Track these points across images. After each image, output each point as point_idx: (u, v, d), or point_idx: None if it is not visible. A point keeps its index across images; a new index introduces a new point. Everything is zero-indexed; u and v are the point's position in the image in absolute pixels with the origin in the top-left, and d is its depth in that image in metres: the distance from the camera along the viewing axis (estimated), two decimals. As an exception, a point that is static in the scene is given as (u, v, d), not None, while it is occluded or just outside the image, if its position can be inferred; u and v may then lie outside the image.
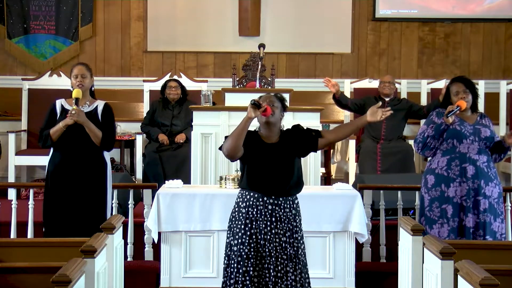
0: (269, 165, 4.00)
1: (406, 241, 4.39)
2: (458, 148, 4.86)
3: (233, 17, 8.70)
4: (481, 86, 7.65)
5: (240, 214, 4.03)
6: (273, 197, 4.02)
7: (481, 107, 7.34)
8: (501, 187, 4.94)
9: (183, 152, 6.94)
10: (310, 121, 6.02)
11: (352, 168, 7.33)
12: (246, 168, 4.05)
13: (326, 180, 7.41)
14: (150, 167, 7.04)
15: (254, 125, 4.07)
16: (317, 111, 6.10)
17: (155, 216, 5.14)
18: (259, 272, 3.98)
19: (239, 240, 4.00)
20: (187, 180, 6.01)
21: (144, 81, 7.94)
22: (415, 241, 4.22)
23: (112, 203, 5.62)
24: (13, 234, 5.57)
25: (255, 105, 3.92)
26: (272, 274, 3.96)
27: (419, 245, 4.18)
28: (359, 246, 5.56)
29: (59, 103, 5.06)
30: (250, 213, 4.01)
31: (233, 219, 4.07)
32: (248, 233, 3.99)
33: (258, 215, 4.00)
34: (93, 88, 5.13)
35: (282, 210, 4.03)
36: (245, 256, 3.97)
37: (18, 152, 7.39)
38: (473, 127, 4.88)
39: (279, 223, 4.01)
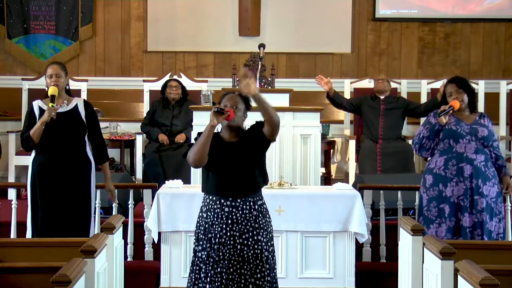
0: (227, 164, 3.91)
1: (406, 241, 4.39)
2: (454, 148, 4.86)
3: (233, 17, 8.70)
4: (481, 86, 7.66)
5: (202, 219, 3.98)
6: (230, 199, 3.92)
7: (481, 107, 7.36)
8: (499, 187, 4.94)
9: (183, 152, 6.92)
10: (310, 121, 6.03)
11: (352, 168, 7.33)
12: (206, 171, 3.98)
13: (326, 180, 7.41)
14: (150, 167, 7.04)
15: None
16: (317, 111, 6.09)
17: (155, 216, 5.14)
18: (211, 278, 3.88)
19: (201, 247, 3.96)
20: (187, 180, 6.00)
21: (144, 81, 7.93)
22: (415, 241, 4.22)
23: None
24: (13, 234, 5.57)
25: (219, 112, 3.82)
26: (224, 277, 3.86)
27: (419, 245, 4.18)
28: (359, 246, 5.56)
29: (36, 104, 4.97)
30: (208, 217, 3.95)
31: (197, 224, 4.02)
32: (206, 238, 3.94)
33: (215, 219, 3.93)
34: (68, 87, 5.09)
35: (240, 212, 3.92)
36: (203, 263, 3.93)
37: (18, 152, 7.38)
38: (470, 127, 4.88)
39: (235, 225, 3.91)
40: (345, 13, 8.78)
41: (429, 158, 5.08)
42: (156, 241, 5.29)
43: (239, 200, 3.93)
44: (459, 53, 8.86)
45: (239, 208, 3.93)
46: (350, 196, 5.20)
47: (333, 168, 7.95)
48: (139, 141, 7.26)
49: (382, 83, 7.41)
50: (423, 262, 4.15)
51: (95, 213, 5.26)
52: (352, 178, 7.17)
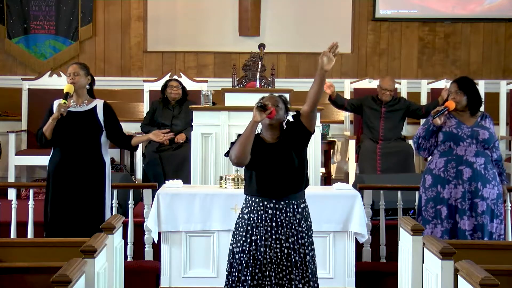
0: (268, 165, 3.90)
1: (406, 241, 4.39)
2: (455, 151, 4.85)
3: (233, 17, 8.70)
4: (481, 86, 7.65)
5: (243, 221, 3.95)
6: (273, 201, 3.91)
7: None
8: (500, 188, 4.93)
9: (183, 152, 6.94)
10: (310, 121, 6.02)
11: (352, 168, 7.33)
12: (249, 173, 3.96)
13: (326, 180, 7.41)
14: (150, 167, 7.04)
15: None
16: (317, 111, 6.08)
17: (155, 216, 5.14)
18: (259, 281, 3.86)
19: (241, 248, 3.91)
20: (187, 180, 6.01)
21: (144, 81, 7.94)
22: (415, 241, 4.22)
23: (111, 203, 5.64)
24: (13, 234, 5.57)
25: (261, 107, 3.82)
26: (274, 281, 3.85)
27: (419, 245, 4.18)
28: (359, 246, 5.56)
29: (56, 103, 5.03)
30: (251, 219, 3.92)
31: (237, 225, 3.99)
32: (249, 240, 3.90)
33: (259, 221, 3.90)
34: (88, 87, 5.11)
35: (284, 215, 3.90)
36: (244, 265, 3.88)
37: (18, 152, 7.39)
38: (471, 130, 4.86)
39: (280, 228, 3.89)
40: (345, 13, 8.78)
41: (429, 158, 5.08)
42: (156, 241, 5.29)
43: (282, 202, 3.91)
44: (459, 53, 8.86)
45: (283, 211, 3.91)
46: (350, 196, 5.20)
47: (333, 168, 7.95)
48: (139, 141, 7.25)
49: (389, 94, 7.34)
50: (423, 262, 4.15)
51: (111, 214, 5.27)
52: (352, 178, 7.18)
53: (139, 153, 7.24)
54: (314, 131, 4.02)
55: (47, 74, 7.78)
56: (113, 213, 5.57)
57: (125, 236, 5.24)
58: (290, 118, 4.05)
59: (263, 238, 3.89)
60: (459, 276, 3.35)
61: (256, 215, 3.92)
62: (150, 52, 8.79)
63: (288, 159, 3.92)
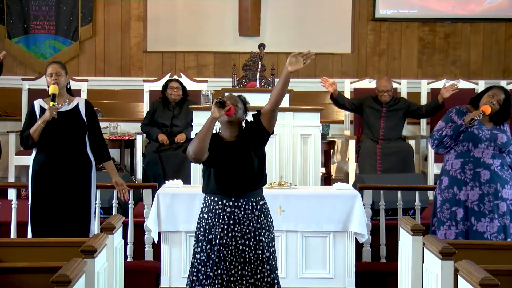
0: (226, 163, 3.91)
1: (406, 241, 4.39)
2: (472, 152, 4.84)
3: (233, 17, 8.70)
4: (481, 86, 7.65)
5: (203, 220, 3.96)
6: (232, 199, 3.92)
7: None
8: None
9: (183, 152, 6.93)
10: (310, 121, 6.03)
11: (352, 168, 7.33)
12: (207, 171, 3.97)
13: (326, 180, 7.41)
14: (150, 167, 7.04)
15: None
16: (317, 111, 6.09)
17: (155, 216, 5.14)
18: (210, 281, 3.86)
19: (201, 248, 3.94)
20: (187, 180, 6.01)
21: (144, 81, 7.93)
22: (415, 241, 4.22)
23: (112, 203, 5.63)
24: (13, 234, 5.58)
25: (220, 103, 3.82)
26: (225, 279, 3.85)
27: (419, 245, 4.19)
28: (359, 246, 5.56)
29: (37, 103, 4.97)
30: (209, 218, 3.93)
31: (198, 225, 4.00)
32: (207, 239, 3.92)
33: (216, 220, 3.91)
34: (69, 86, 5.08)
35: (243, 212, 3.91)
36: (202, 264, 3.91)
37: (18, 152, 7.38)
38: (490, 132, 4.87)
39: (237, 225, 3.90)
40: (345, 13, 8.78)
41: (444, 159, 5.02)
42: (156, 241, 5.29)
43: (241, 200, 3.92)
44: (459, 53, 8.86)
45: (242, 208, 3.92)
46: (350, 196, 5.20)
47: (333, 168, 7.95)
48: (139, 141, 7.26)
49: (387, 95, 7.33)
50: (423, 262, 4.15)
51: (95, 213, 5.26)
52: (352, 178, 7.17)
53: (139, 153, 7.24)
54: (273, 132, 4.00)
55: (47, 74, 7.78)
56: (113, 213, 5.58)
57: (125, 236, 5.24)
58: (250, 118, 4.05)
59: (218, 236, 3.90)
60: (459, 276, 3.35)
61: (214, 213, 3.92)
62: (150, 52, 8.79)
63: (246, 157, 3.92)
